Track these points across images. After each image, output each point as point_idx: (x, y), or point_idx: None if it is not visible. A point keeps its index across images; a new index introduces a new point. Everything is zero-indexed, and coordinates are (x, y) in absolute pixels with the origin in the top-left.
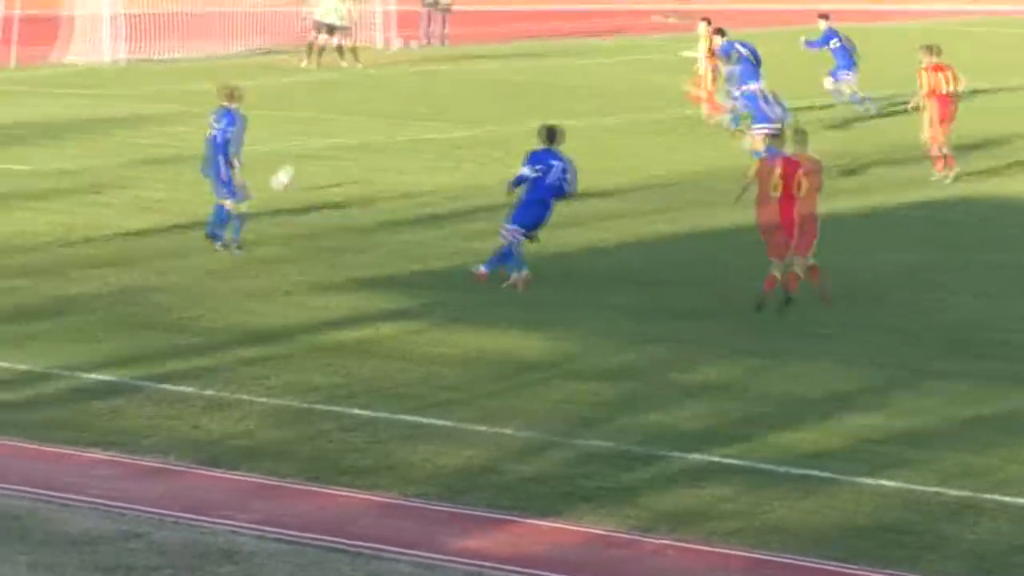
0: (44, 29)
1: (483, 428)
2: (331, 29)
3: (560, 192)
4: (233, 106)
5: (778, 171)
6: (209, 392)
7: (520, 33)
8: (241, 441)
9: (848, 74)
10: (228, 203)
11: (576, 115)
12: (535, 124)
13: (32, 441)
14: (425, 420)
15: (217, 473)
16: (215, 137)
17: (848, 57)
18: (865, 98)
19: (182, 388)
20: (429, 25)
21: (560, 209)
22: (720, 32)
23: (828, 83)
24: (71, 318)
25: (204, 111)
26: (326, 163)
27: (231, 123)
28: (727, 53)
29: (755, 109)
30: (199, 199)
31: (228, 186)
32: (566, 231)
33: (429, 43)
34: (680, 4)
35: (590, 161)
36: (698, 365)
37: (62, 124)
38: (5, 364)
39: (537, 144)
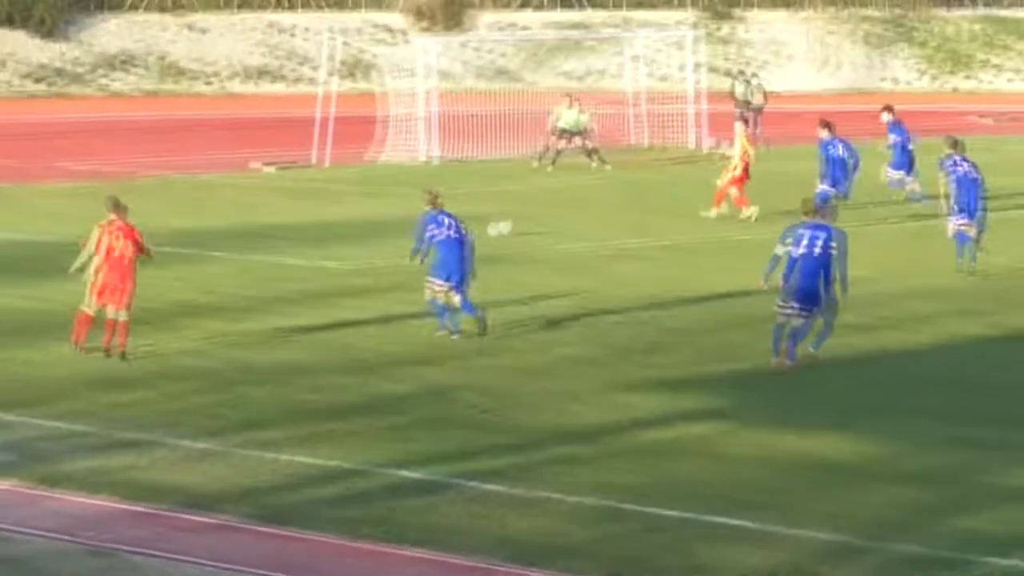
0: (357, 130)
1: (791, 530)
2: (570, 135)
3: (826, 263)
4: (444, 210)
5: None
6: (517, 490)
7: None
8: (548, 539)
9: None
10: (457, 299)
11: (878, 217)
12: (840, 223)
13: (347, 538)
14: (731, 521)
15: (524, 572)
16: (459, 238)
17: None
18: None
19: (490, 486)
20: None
21: (871, 311)
22: (827, 126)
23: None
24: (387, 416)
25: (517, 211)
26: (633, 262)
27: (453, 227)
28: (826, 149)
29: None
30: (514, 299)
31: (463, 282)
32: (879, 332)
33: None
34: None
35: (908, 262)
36: (1013, 469)
37: (377, 223)
38: (322, 461)
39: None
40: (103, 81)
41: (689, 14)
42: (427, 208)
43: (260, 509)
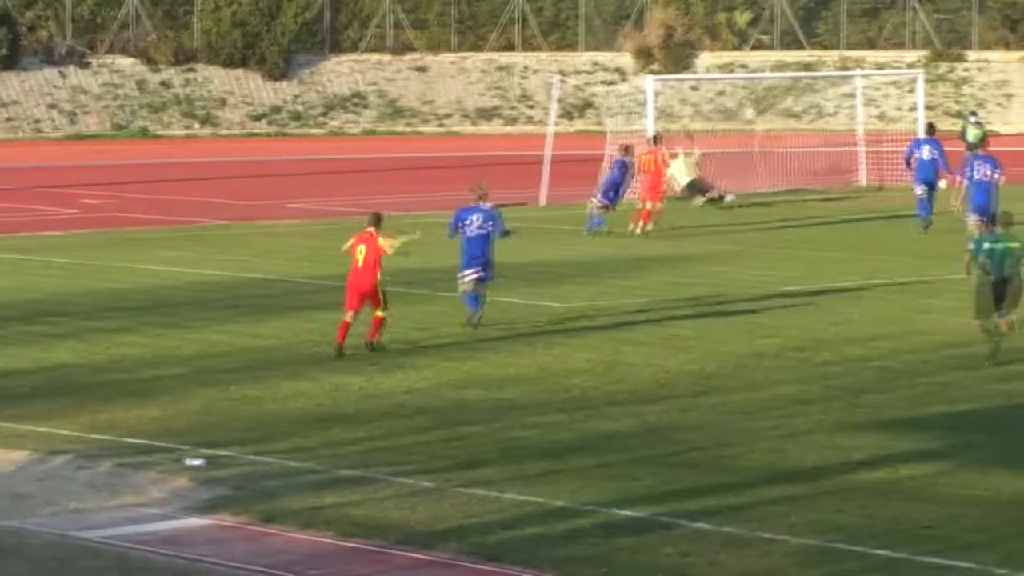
0: (575, 169)
1: (1013, 573)
2: (691, 185)
3: None
4: (486, 205)
5: None
6: (730, 529)
7: None
8: None
9: None
10: (480, 287)
11: None
12: None
13: None
14: (951, 562)
15: None
16: (487, 232)
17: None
18: None
19: (703, 525)
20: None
21: None
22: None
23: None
24: (602, 454)
25: (754, 250)
26: (847, 301)
27: (489, 219)
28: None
29: None
30: (731, 339)
31: (486, 278)
32: None
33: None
34: None
35: None
36: None
37: (597, 263)
38: (538, 499)
39: None
40: (327, 121)
41: (912, 55)
42: (479, 204)
43: (477, 547)
